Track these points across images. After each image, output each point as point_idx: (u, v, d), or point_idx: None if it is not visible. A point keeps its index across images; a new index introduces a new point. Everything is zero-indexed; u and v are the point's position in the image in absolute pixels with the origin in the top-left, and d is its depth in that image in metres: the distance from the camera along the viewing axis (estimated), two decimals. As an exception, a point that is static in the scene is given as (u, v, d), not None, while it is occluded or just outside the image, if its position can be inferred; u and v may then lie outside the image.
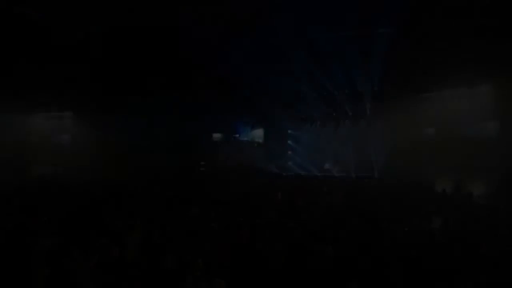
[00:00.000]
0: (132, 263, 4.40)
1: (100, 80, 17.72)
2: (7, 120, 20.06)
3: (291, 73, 16.74)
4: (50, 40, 13.17)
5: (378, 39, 13.51)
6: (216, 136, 24.10)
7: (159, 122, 20.44)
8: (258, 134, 23.33)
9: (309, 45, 14.01)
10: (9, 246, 4.96)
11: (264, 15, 11.25)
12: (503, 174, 12.05)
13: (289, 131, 22.46)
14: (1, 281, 4.06)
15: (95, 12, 11.46)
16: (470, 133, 14.83)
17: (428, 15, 10.99)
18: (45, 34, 12.74)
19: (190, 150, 21.40)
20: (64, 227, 6.11)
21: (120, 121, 20.34)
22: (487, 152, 13.35)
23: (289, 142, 22.34)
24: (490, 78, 13.12)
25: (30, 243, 5.18)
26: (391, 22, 12.00)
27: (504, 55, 11.09)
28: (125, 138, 20.27)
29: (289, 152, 22.23)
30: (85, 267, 4.28)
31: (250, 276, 4.57)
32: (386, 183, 14.10)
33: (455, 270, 4.06)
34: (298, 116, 22.14)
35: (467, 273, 3.82)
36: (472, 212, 7.40)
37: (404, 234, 5.34)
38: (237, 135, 23.90)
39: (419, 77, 14.44)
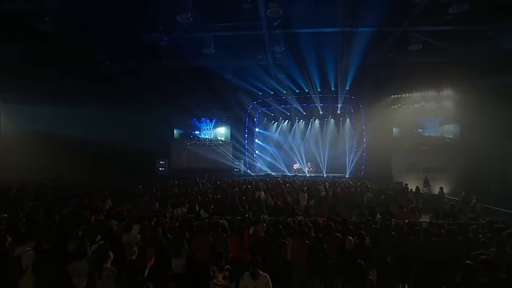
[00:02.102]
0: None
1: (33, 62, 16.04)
2: None
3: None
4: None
5: (353, 39, 14.57)
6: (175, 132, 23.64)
7: (107, 114, 19.30)
8: (222, 131, 23.32)
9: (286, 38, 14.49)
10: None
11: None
12: (465, 174, 13.99)
13: (257, 129, 22.86)
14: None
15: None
16: (434, 134, 16.85)
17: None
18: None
19: (145, 147, 20.52)
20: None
21: (61, 112, 18.85)
22: (450, 153, 15.42)
23: (257, 141, 22.76)
24: (453, 82, 15.06)
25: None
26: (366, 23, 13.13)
27: (465, 60, 12.95)
28: (69, 132, 18.80)
29: (257, 152, 22.64)
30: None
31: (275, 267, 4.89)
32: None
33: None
34: (266, 114, 22.81)
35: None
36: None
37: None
38: (197, 132, 23.59)
39: (391, 78, 15.88)
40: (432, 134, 17.00)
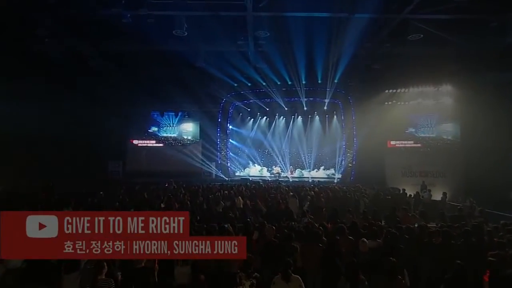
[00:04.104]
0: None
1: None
2: None
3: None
4: None
5: (347, 26, 15.31)
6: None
7: (47, 105, 18.54)
8: (189, 128, 23.24)
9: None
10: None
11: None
12: (465, 179, 15.31)
13: (230, 127, 23.15)
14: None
15: None
16: (430, 134, 18.18)
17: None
18: None
19: (96, 145, 19.98)
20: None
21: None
22: (449, 155, 16.74)
23: (231, 140, 23.10)
24: (453, 77, 16.30)
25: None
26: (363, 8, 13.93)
27: (467, 53, 14.13)
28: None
29: (230, 153, 22.93)
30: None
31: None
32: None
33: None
34: (242, 109, 23.09)
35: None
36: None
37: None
38: (155, 129, 23.38)
39: (386, 71, 16.87)
40: (427, 134, 18.25)
